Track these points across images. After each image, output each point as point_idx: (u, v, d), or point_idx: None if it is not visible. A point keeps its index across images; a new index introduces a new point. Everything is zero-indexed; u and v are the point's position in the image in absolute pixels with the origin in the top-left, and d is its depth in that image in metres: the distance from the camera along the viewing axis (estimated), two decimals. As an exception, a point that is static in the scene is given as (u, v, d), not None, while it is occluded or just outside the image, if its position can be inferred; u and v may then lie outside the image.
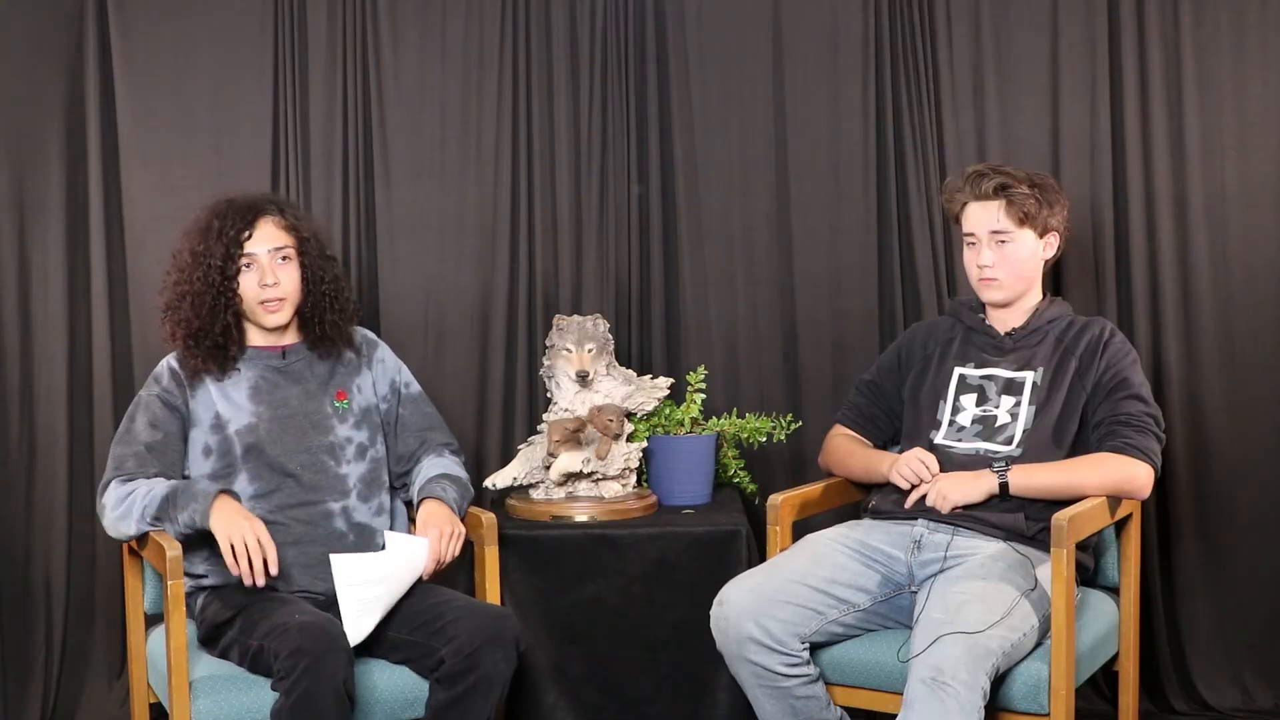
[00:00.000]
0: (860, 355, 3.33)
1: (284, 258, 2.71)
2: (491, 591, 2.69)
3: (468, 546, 2.72)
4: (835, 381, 3.35)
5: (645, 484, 3.16)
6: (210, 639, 2.54)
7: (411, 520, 2.78)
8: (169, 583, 2.37)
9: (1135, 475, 2.59)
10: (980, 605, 2.38)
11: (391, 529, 2.73)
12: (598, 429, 3.02)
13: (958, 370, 2.79)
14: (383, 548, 2.63)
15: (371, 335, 2.89)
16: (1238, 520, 3.26)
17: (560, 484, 3.04)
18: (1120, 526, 2.74)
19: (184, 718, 2.37)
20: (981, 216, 2.73)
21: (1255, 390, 3.24)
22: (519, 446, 3.19)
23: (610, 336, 3.12)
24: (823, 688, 2.55)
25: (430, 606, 2.52)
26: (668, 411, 3.15)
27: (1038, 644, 2.45)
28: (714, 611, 2.55)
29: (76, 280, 3.24)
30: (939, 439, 2.74)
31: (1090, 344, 2.71)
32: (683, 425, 3.13)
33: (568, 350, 3.06)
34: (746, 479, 3.24)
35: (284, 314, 2.71)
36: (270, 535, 2.48)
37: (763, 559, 2.79)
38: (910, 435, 2.82)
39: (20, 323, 3.20)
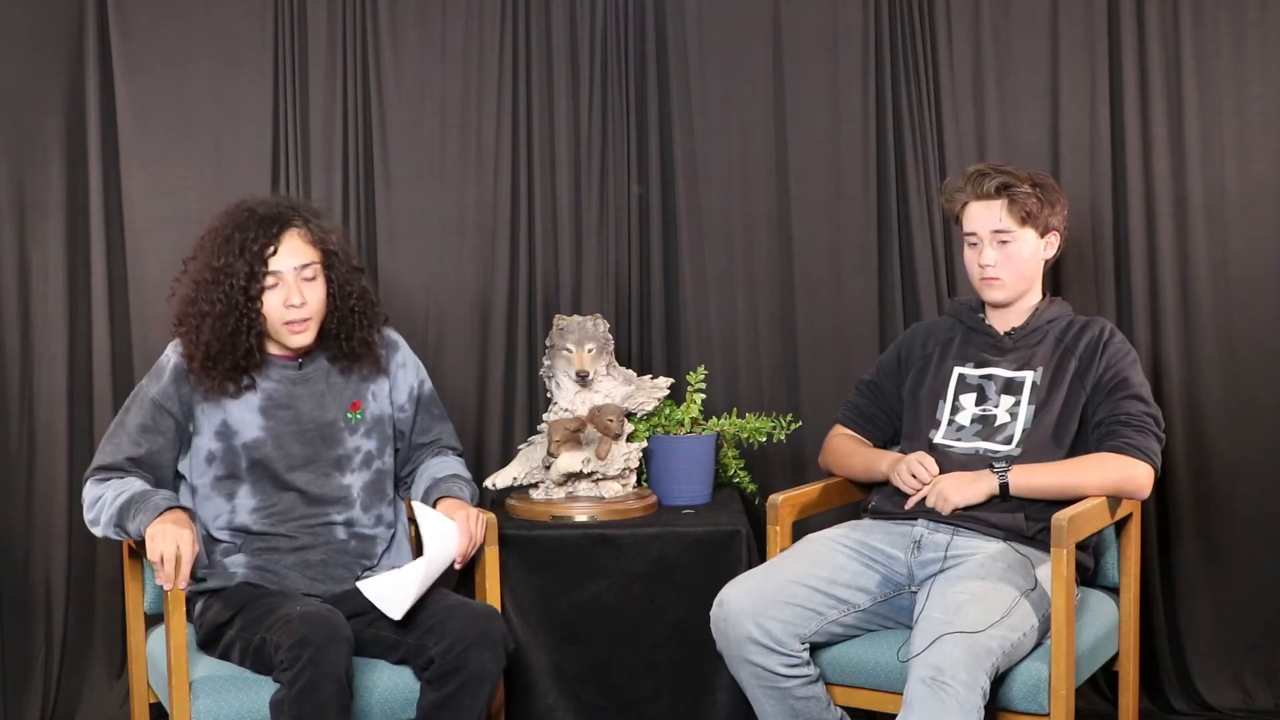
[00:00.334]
0: (860, 355, 3.33)
1: (310, 275, 2.58)
2: (491, 591, 2.69)
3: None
4: (835, 381, 3.35)
5: (645, 484, 3.16)
6: (210, 641, 2.53)
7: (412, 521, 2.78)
8: (169, 583, 2.38)
9: (1135, 475, 2.59)
10: (980, 605, 2.38)
11: (394, 540, 2.71)
12: (598, 429, 3.02)
13: (957, 370, 2.79)
14: (412, 522, 2.62)
15: (393, 336, 2.79)
16: (1238, 520, 3.26)
17: (560, 484, 3.04)
18: (1120, 526, 2.74)
19: (184, 718, 2.37)
20: (983, 216, 2.73)
21: (1255, 390, 3.24)
22: (519, 446, 3.19)
23: (610, 336, 3.12)
24: (823, 688, 2.55)
25: (422, 605, 2.51)
26: (668, 411, 3.15)
27: (1038, 644, 2.45)
28: (714, 612, 2.55)
29: (76, 280, 3.24)
30: (938, 438, 2.74)
31: (1090, 344, 2.71)
32: (683, 425, 3.13)
33: (568, 350, 3.06)
34: (746, 479, 3.24)
35: (309, 334, 2.59)
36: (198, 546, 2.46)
37: (763, 559, 2.79)
38: (910, 435, 2.82)
39: (20, 323, 3.20)
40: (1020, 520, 2.58)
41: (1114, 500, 2.60)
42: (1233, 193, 3.23)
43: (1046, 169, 3.25)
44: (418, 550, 2.67)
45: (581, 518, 2.98)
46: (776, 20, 3.39)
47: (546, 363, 3.12)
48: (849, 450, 2.89)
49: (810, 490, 2.86)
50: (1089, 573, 2.74)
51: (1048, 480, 2.59)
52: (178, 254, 3.22)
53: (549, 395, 3.13)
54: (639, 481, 3.13)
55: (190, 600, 2.55)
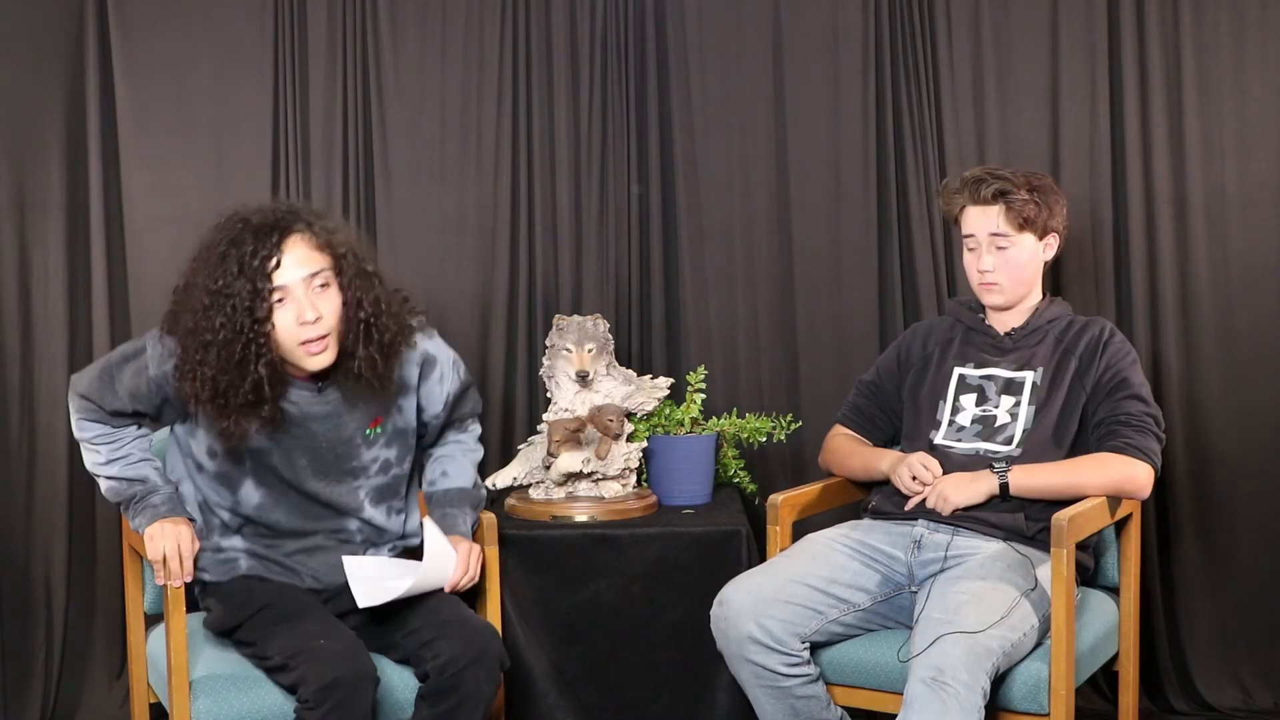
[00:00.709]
0: (860, 355, 3.33)
1: (322, 284, 2.32)
2: (491, 591, 2.68)
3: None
4: (835, 381, 3.35)
5: (645, 484, 3.16)
6: (216, 629, 2.51)
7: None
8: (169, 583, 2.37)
9: (1135, 475, 2.59)
10: (980, 605, 2.38)
11: (406, 525, 2.62)
12: (598, 429, 3.02)
13: (957, 370, 2.79)
14: (419, 538, 2.58)
15: (435, 350, 2.57)
16: (1238, 520, 3.26)
17: (560, 484, 3.04)
18: (1120, 526, 2.74)
19: (184, 718, 2.37)
20: (981, 220, 2.73)
21: (1255, 390, 3.24)
22: (519, 446, 3.19)
23: (610, 336, 3.12)
24: (823, 687, 2.55)
25: (422, 613, 2.47)
26: (668, 411, 3.15)
27: (1037, 644, 2.45)
28: (714, 612, 2.55)
29: (76, 280, 3.24)
30: (938, 439, 2.74)
31: (1090, 344, 2.71)
32: (683, 425, 3.13)
33: (568, 350, 3.06)
34: (746, 479, 3.24)
35: (329, 354, 2.34)
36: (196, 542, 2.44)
37: (763, 559, 2.79)
38: (910, 435, 2.82)
39: (20, 323, 3.20)
40: (1020, 520, 2.58)
41: (1114, 500, 2.60)
42: (1233, 193, 3.23)
43: (1046, 169, 3.25)
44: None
45: (581, 518, 2.98)
46: (776, 20, 3.39)
47: (546, 363, 3.12)
48: (849, 450, 2.89)
49: (810, 490, 2.86)
50: (1089, 573, 2.74)
51: (1048, 480, 2.59)
52: (178, 254, 3.20)
53: (549, 395, 3.13)
54: (639, 481, 3.13)
55: (189, 587, 2.48)
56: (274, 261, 2.28)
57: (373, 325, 2.37)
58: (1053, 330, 2.76)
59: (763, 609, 2.48)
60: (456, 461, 2.70)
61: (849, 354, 3.38)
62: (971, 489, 2.60)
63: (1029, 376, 2.71)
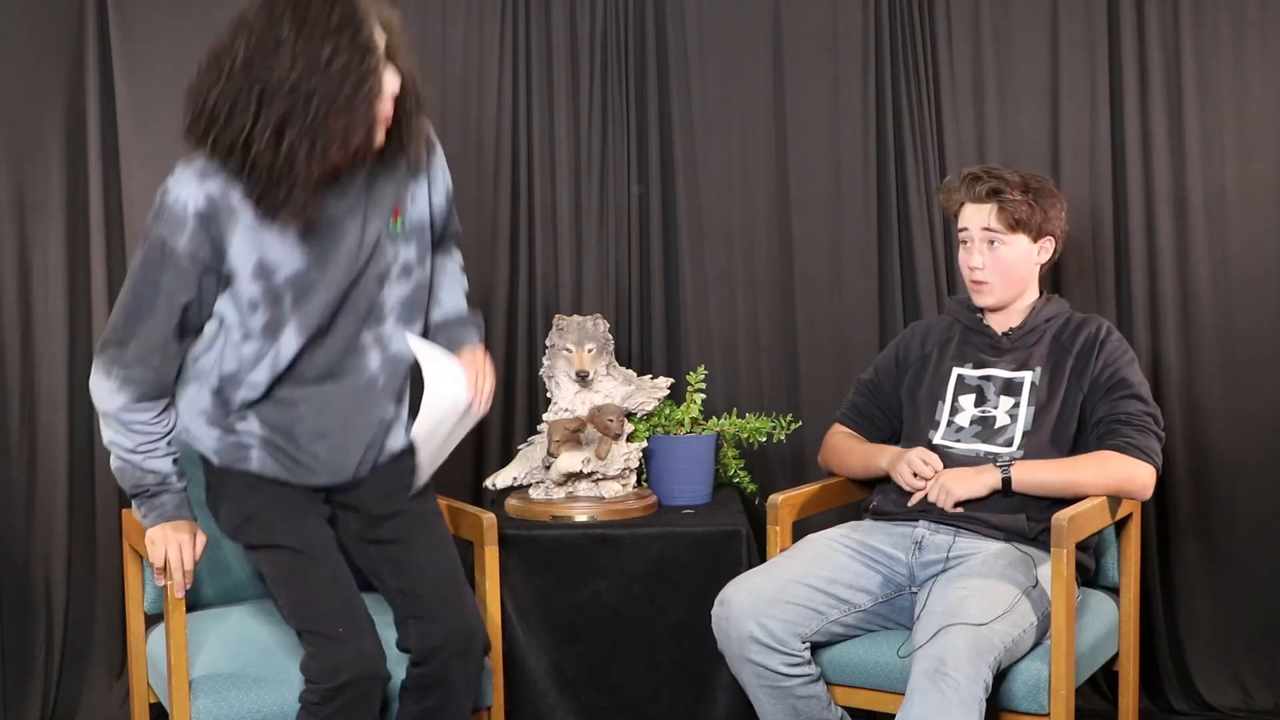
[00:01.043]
0: (860, 355, 3.33)
1: (388, 59, 2.19)
2: (491, 592, 2.68)
3: (467, 547, 2.72)
4: (835, 381, 3.35)
5: (645, 484, 3.16)
6: (228, 534, 2.45)
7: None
8: (169, 583, 2.37)
9: (1137, 475, 2.59)
10: (983, 599, 2.38)
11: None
12: (598, 429, 3.02)
13: (956, 370, 2.79)
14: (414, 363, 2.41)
15: (431, 132, 2.44)
16: (1238, 520, 3.26)
17: (560, 484, 3.04)
18: (1120, 526, 2.74)
19: (184, 718, 2.37)
20: (974, 217, 2.74)
21: (1255, 390, 3.24)
22: (519, 446, 3.20)
23: (610, 336, 3.12)
24: (824, 687, 2.55)
25: (420, 573, 2.42)
26: (668, 411, 3.15)
27: (1036, 643, 2.45)
28: (715, 611, 2.55)
29: (76, 280, 3.24)
30: (937, 439, 2.74)
31: (1087, 342, 2.71)
32: (683, 425, 3.13)
33: (568, 350, 3.06)
34: (746, 479, 3.24)
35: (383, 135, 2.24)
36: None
37: (763, 559, 2.79)
38: (910, 435, 2.82)
39: (20, 323, 3.20)
40: (1022, 521, 2.58)
41: (1114, 500, 2.60)
42: (1233, 193, 3.23)
43: (1046, 169, 3.26)
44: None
45: (581, 518, 2.98)
46: (776, 20, 3.39)
47: (546, 363, 3.12)
48: (848, 447, 2.89)
49: (810, 490, 2.86)
50: (1090, 573, 2.74)
51: (1050, 477, 2.59)
52: (178, 254, 3.24)
53: (549, 395, 3.13)
54: (639, 481, 3.13)
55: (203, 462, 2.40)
56: (366, 31, 2.15)
57: (411, 90, 2.28)
58: (1050, 329, 2.75)
59: (764, 609, 2.49)
60: (448, 289, 2.55)
61: (849, 354, 3.38)
62: (975, 481, 2.60)
63: (1028, 376, 2.71)
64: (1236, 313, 3.24)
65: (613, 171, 3.44)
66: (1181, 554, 3.28)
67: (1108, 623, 2.69)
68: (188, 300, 2.26)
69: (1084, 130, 3.28)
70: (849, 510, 2.97)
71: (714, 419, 3.19)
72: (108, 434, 2.35)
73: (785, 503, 2.77)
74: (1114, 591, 2.78)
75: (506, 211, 3.40)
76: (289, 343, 2.31)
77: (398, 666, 2.41)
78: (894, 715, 2.40)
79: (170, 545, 2.36)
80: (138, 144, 3.22)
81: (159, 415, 2.34)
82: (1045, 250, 2.76)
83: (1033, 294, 2.79)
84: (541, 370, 3.15)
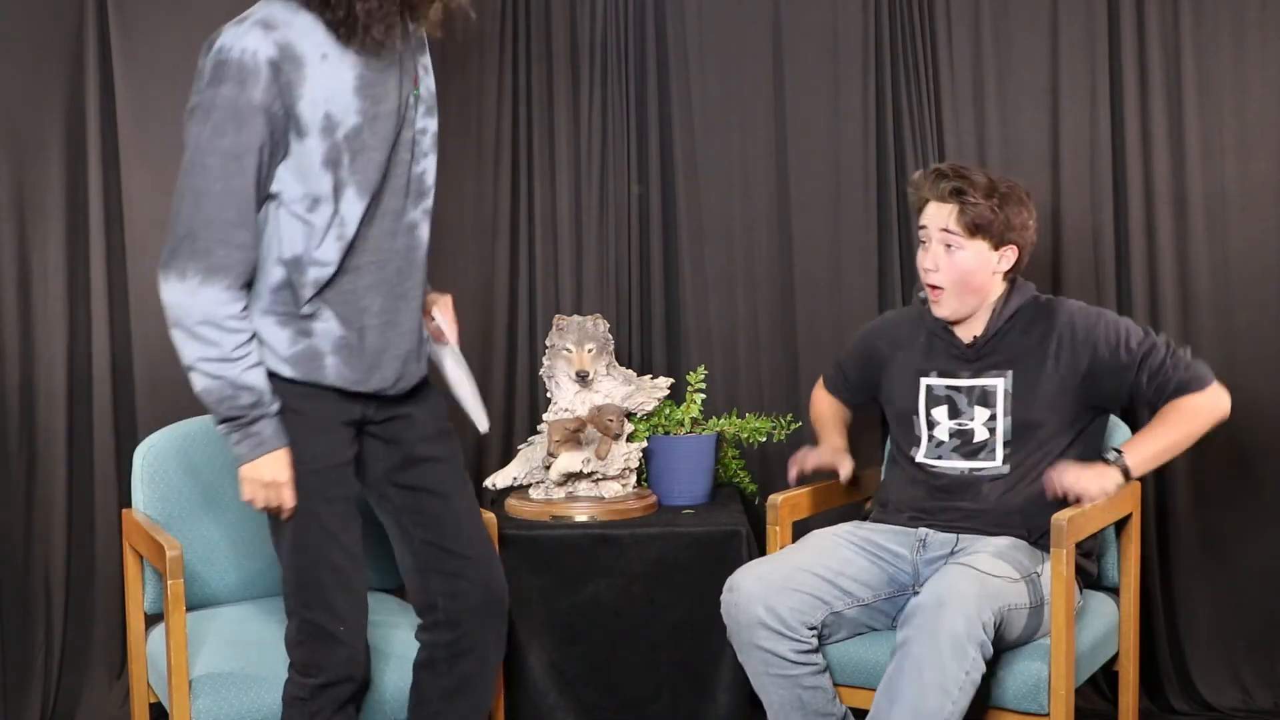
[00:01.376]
0: (860, 355, 3.33)
1: None
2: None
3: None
4: (835, 381, 3.35)
5: (645, 484, 3.16)
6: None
7: None
8: (169, 582, 2.37)
9: (1217, 404, 2.57)
10: (990, 563, 2.41)
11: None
12: (598, 429, 3.02)
13: (924, 381, 2.71)
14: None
15: None
16: (1238, 521, 3.26)
17: (560, 484, 3.04)
18: (1120, 526, 2.74)
19: (184, 718, 2.37)
20: (936, 216, 2.63)
21: (1255, 390, 3.23)
22: (519, 446, 3.20)
23: (610, 336, 3.12)
24: (829, 680, 2.54)
25: (458, 529, 2.36)
26: (668, 411, 3.15)
27: (1030, 639, 2.45)
28: (724, 598, 2.53)
29: (76, 280, 3.24)
30: (921, 457, 2.69)
31: (1061, 339, 2.60)
32: (683, 425, 3.13)
33: (568, 350, 3.06)
34: (746, 479, 3.25)
35: None
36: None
37: (763, 559, 2.79)
38: (895, 456, 2.79)
39: (20, 323, 3.20)
40: (1022, 530, 2.58)
41: (1115, 500, 2.59)
42: (1233, 193, 3.23)
43: (1046, 169, 3.26)
44: None
45: (581, 518, 2.98)
46: (776, 20, 3.39)
47: (546, 363, 3.12)
48: (824, 424, 2.96)
49: (810, 490, 2.86)
50: (1093, 578, 2.73)
51: (1158, 448, 2.58)
52: (178, 254, 3.24)
53: (549, 395, 3.13)
54: (639, 481, 3.14)
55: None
56: None
57: None
58: (1017, 325, 2.65)
59: (772, 594, 2.47)
60: None
61: (849, 354, 3.38)
62: (1108, 482, 2.54)
63: (1000, 385, 2.63)
64: (1236, 313, 3.24)
65: (613, 171, 3.44)
66: (1181, 554, 3.28)
67: (1108, 623, 2.69)
68: (260, 161, 2.12)
69: (1084, 130, 3.28)
70: (849, 510, 2.97)
71: (714, 419, 3.19)
72: (192, 350, 2.13)
73: (785, 503, 2.77)
74: (1114, 591, 2.78)
75: (506, 211, 3.40)
76: (351, 209, 2.19)
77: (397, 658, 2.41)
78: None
79: (271, 495, 2.21)
80: (138, 144, 3.22)
81: (245, 311, 2.17)
82: (1006, 259, 2.64)
83: (993, 299, 2.66)
84: (541, 370, 3.16)
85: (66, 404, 3.22)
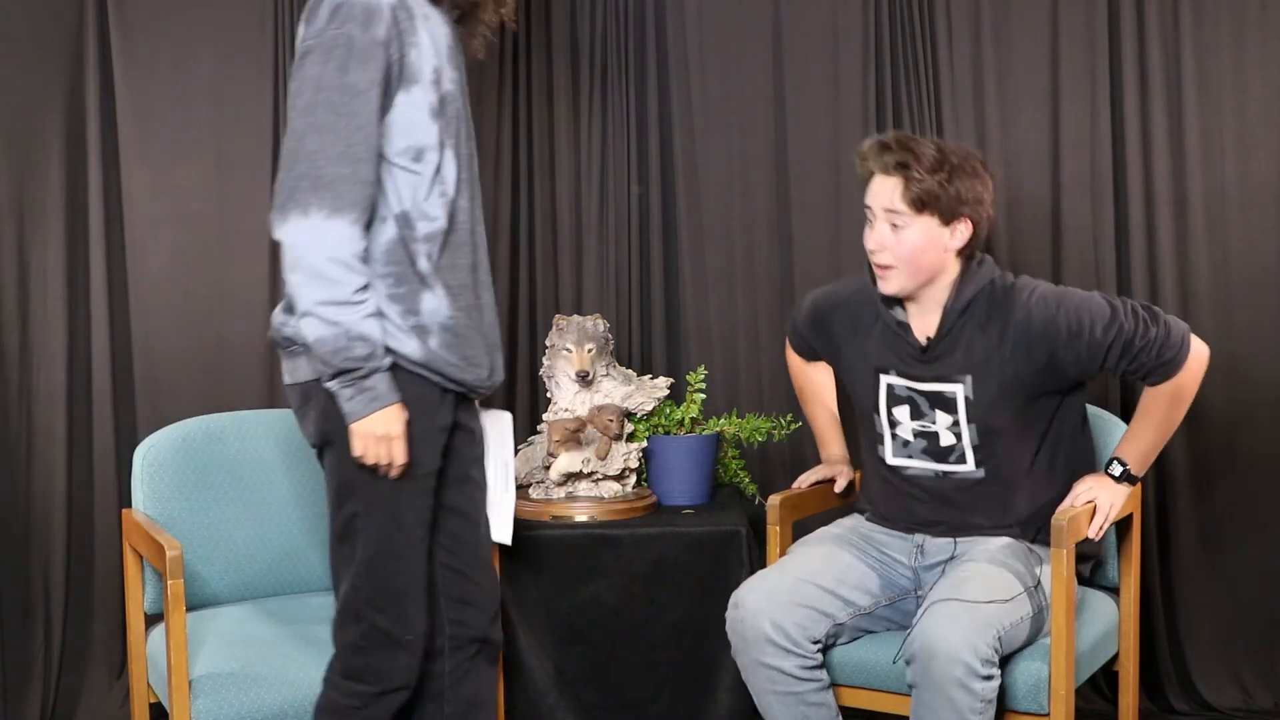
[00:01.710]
0: (860, 355, 3.33)
1: None
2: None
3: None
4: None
5: (645, 484, 3.16)
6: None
7: None
8: (169, 582, 2.37)
9: (1197, 372, 2.46)
10: (984, 582, 2.37)
11: None
12: (598, 429, 3.02)
13: (884, 379, 2.60)
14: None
15: None
16: (1238, 520, 3.26)
17: (560, 484, 3.04)
18: (1120, 526, 2.74)
19: (184, 718, 2.37)
20: (880, 191, 2.48)
21: (1255, 390, 3.24)
22: (519, 446, 3.20)
23: (610, 336, 3.12)
24: (832, 696, 2.52)
25: (475, 554, 2.35)
26: (668, 411, 3.15)
27: (1032, 639, 2.45)
28: (730, 614, 2.51)
29: (76, 280, 3.24)
30: (891, 459, 2.63)
31: (1021, 339, 2.45)
32: (682, 425, 3.13)
33: (568, 350, 3.06)
34: (746, 479, 3.24)
35: None
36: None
37: (763, 559, 2.79)
38: (865, 450, 2.73)
39: (20, 323, 3.20)
40: (1016, 529, 2.58)
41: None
42: (1233, 193, 3.22)
43: (1046, 169, 3.26)
44: None
45: (581, 518, 2.98)
46: (776, 20, 3.39)
47: (546, 363, 3.12)
48: (813, 415, 2.95)
49: (809, 490, 2.86)
50: (1084, 578, 2.72)
51: (1153, 444, 2.54)
52: (178, 254, 3.25)
53: (549, 395, 3.13)
54: (639, 481, 3.13)
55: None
56: None
57: None
58: (971, 322, 2.49)
59: (778, 609, 2.45)
60: None
61: (849, 354, 3.38)
62: (1118, 494, 2.54)
63: (959, 390, 2.50)
64: (1236, 313, 3.24)
65: (613, 171, 3.44)
66: (1181, 554, 3.28)
67: (1108, 623, 2.69)
68: (381, 99, 2.09)
69: (1084, 130, 3.28)
70: (849, 510, 2.96)
71: (714, 419, 3.19)
72: (312, 292, 2.06)
73: (785, 503, 2.77)
74: (1114, 591, 2.78)
75: (506, 211, 3.40)
76: (449, 169, 2.19)
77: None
78: (894, 716, 2.40)
79: (383, 450, 2.13)
80: (138, 144, 3.22)
81: (367, 253, 2.11)
82: (959, 235, 2.46)
83: (949, 278, 2.51)
84: (541, 370, 3.16)
85: (66, 404, 3.22)
